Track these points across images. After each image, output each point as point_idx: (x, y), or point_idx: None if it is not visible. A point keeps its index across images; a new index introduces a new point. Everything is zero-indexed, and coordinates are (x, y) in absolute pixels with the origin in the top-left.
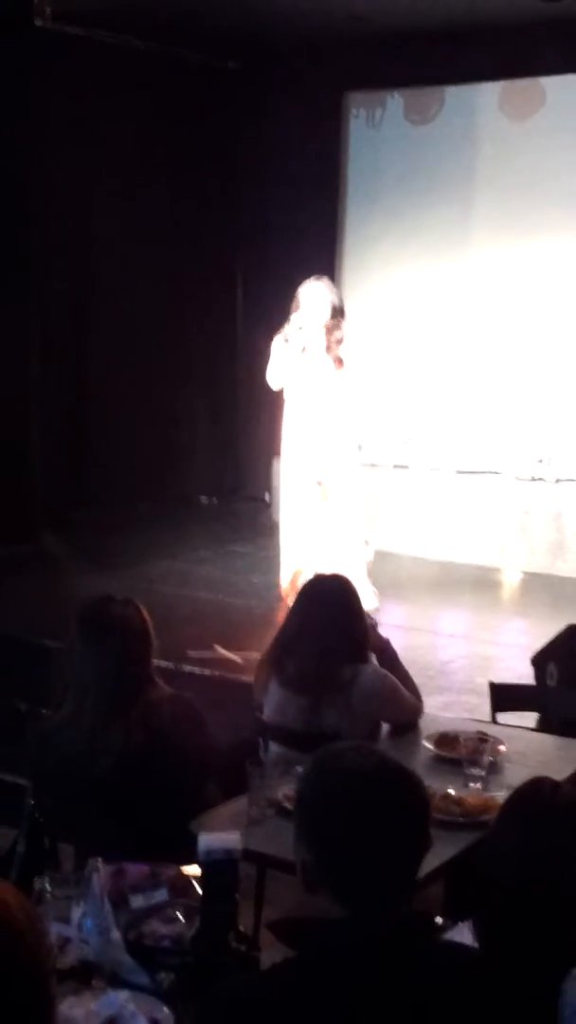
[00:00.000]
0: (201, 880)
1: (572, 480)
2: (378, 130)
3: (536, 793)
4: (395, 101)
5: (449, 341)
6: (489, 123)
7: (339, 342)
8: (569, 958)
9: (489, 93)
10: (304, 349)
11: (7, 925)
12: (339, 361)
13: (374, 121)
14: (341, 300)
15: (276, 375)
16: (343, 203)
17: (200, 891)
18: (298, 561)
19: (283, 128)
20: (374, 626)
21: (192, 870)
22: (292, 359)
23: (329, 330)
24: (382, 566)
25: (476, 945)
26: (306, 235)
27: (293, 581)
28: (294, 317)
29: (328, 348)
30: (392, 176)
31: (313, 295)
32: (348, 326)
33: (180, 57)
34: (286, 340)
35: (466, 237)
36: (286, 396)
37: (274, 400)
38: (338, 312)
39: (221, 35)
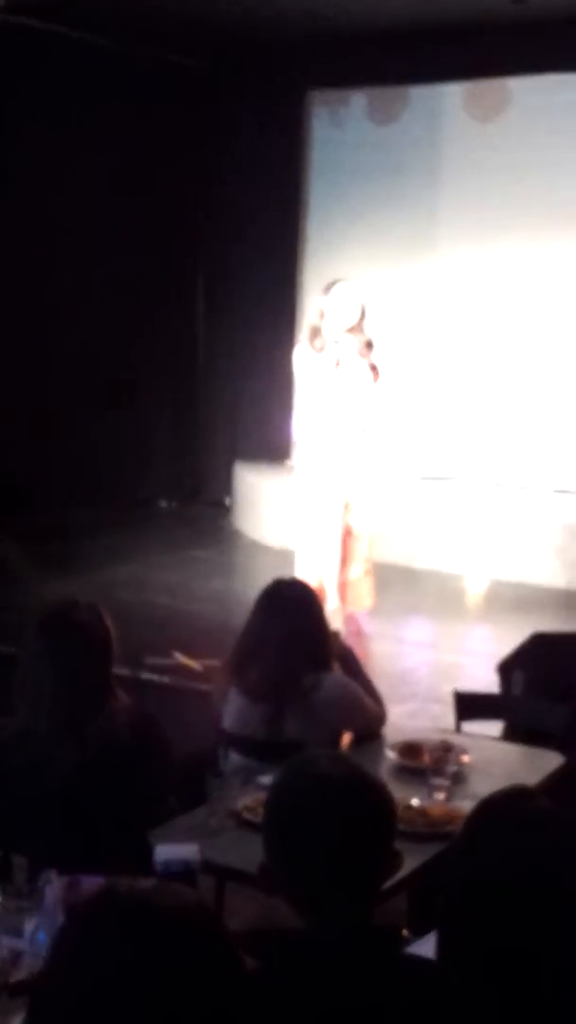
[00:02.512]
0: None
1: (536, 486)
2: (342, 129)
3: (508, 803)
4: (359, 100)
5: (413, 344)
6: (454, 124)
7: (370, 345)
8: (534, 974)
9: (454, 94)
10: (338, 362)
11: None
12: (375, 370)
13: (338, 120)
14: (363, 300)
15: (310, 390)
16: (306, 203)
17: None
18: (315, 579)
19: (246, 126)
20: (337, 634)
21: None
22: (324, 372)
23: (358, 335)
24: None
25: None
26: (269, 235)
27: None
28: (323, 325)
29: (361, 353)
30: (356, 176)
31: (343, 300)
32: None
33: (141, 54)
34: (318, 351)
35: (431, 238)
36: (312, 407)
37: (234, 404)
38: (364, 314)
39: (183, 32)
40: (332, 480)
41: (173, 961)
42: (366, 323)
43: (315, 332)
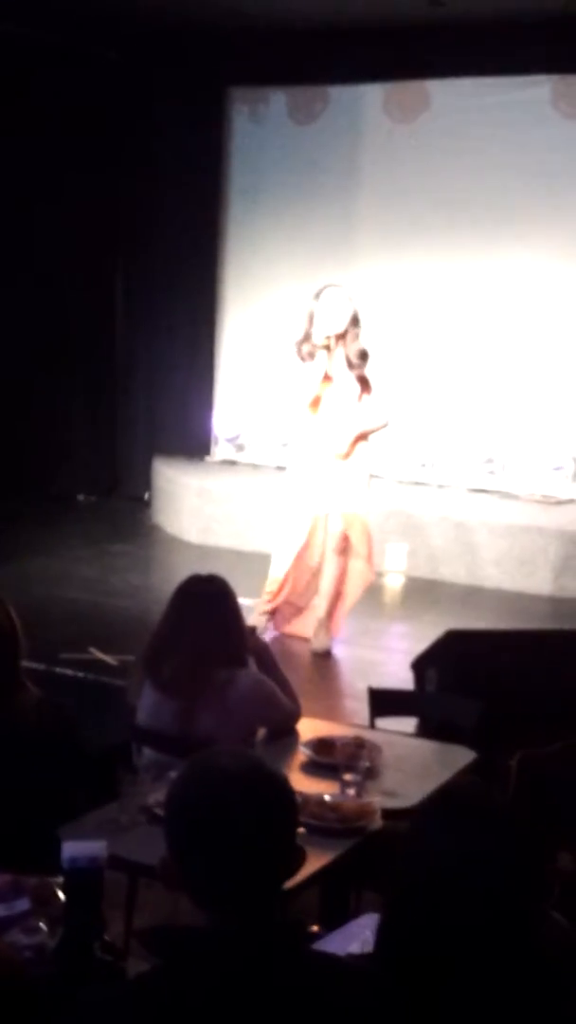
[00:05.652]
0: (64, 889)
1: (454, 485)
2: (262, 127)
3: (469, 795)
4: (279, 98)
5: None
6: (373, 124)
7: (363, 356)
8: (480, 967)
9: (373, 94)
10: (327, 375)
11: None
12: (365, 384)
13: (257, 118)
14: (355, 308)
15: (308, 400)
16: (226, 200)
17: (64, 900)
18: (281, 588)
19: (166, 121)
20: (252, 629)
21: (57, 879)
22: (313, 380)
23: (348, 343)
24: (261, 568)
25: (373, 945)
26: (188, 231)
27: (273, 610)
28: (313, 331)
29: (351, 365)
30: (276, 174)
31: (331, 305)
32: (364, 336)
33: (59, 45)
34: (308, 358)
35: (349, 237)
36: (301, 417)
37: (153, 398)
38: (356, 322)
39: (102, 24)
40: (311, 492)
41: None
42: (360, 332)
43: (305, 337)
